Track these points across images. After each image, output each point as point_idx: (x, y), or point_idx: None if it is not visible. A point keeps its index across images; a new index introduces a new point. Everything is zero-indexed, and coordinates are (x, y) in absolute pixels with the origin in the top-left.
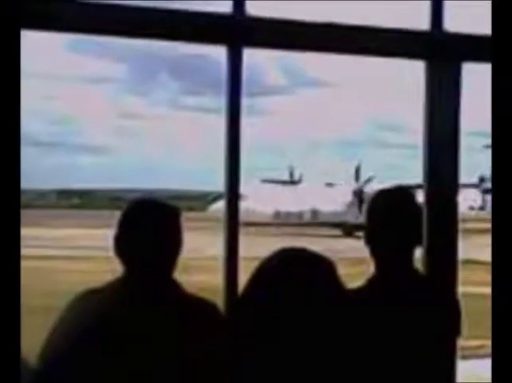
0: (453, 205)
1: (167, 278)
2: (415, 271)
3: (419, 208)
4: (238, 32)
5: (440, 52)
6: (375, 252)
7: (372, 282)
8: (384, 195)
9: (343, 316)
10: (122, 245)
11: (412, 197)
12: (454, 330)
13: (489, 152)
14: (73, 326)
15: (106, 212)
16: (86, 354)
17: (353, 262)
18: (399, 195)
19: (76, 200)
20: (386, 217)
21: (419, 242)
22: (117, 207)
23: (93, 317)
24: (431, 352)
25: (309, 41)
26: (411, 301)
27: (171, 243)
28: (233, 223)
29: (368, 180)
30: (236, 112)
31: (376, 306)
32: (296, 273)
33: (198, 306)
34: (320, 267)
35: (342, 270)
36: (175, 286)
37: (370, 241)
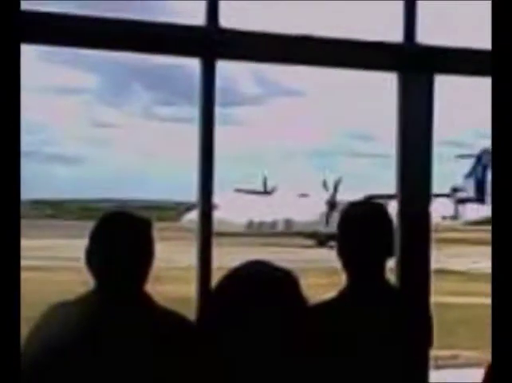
0: (425, 215)
1: (138, 291)
2: (387, 283)
3: (390, 220)
4: (212, 45)
5: (412, 64)
6: (346, 264)
7: (343, 294)
8: (355, 207)
9: (306, 329)
10: (93, 258)
11: (383, 209)
12: (426, 342)
13: (461, 161)
14: (45, 339)
15: (79, 223)
16: (57, 367)
17: (326, 272)
18: (371, 208)
19: (49, 210)
20: (357, 229)
21: (390, 254)
22: (90, 217)
23: (65, 330)
24: (402, 363)
25: (282, 53)
26: (383, 313)
27: (143, 256)
28: (206, 234)
29: (337, 184)
30: (209, 122)
31: (348, 318)
32: (258, 287)
33: (169, 319)
34: (282, 281)
35: (315, 280)
36: (147, 299)
37: (342, 253)
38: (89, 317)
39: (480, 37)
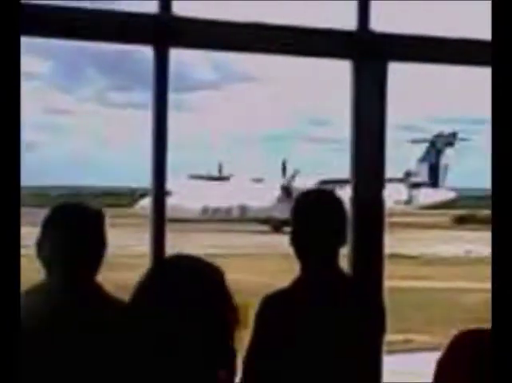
0: (379, 200)
1: (89, 281)
2: (341, 271)
3: (343, 208)
4: (164, 32)
5: (366, 51)
6: (300, 253)
7: (297, 283)
8: (307, 196)
9: (230, 323)
10: (44, 249)
11: (336, 197)
12: (380, 329)
13: (415, 146)
14: None
15: (32, 209)
16: None
17: (282, 257)
18: (323, 196)
19: None
20: (310, 218)
21: (343, 242)
22: (44, 204)
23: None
24: (356, 351)
25: (235, 41)
26: (337, 301)
27: (94, 247)
28: (159, 220)
29: (294, 175)
30: (163, 108)
31: (303, 307)
32: (183, 280)
33: (120, 309)
34: (209, 277)
35: (271, 266)
36: (98, 290)
37: (295, 242)
38: (39, 307)
39: (432, 25)
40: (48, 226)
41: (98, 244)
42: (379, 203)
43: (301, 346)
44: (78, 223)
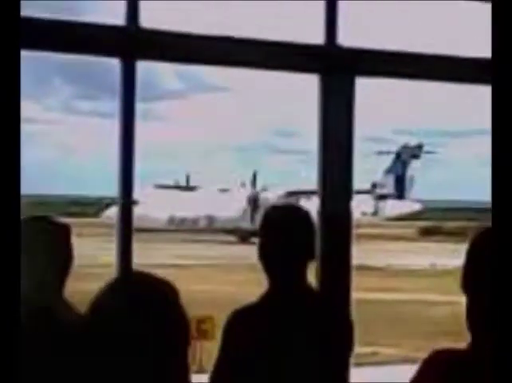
0: (346, 211)
1: (56, 297)
2: (309, 286)
3: (311, 224)
4: (132, 44)
5: (333, 65)
6: (268, 268)
7: (265, 298)
8: (276, 210)
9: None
10: None
11: (305, 212)
12: (348, 343)
13: (381, 158)
14: None
15: None
16: None
17: (249, 268)
18: (291, 211)
19: None
20: (277, 234)
21: (312, 257)
22: None
23: None
24: (325, 365)
25: (203, 54)
26: (305, 316)
27: (61, 262)
28: (126, 229)
29: (263, 190)
30: (130, 117)
31: (272, 322)
32: (136, 299)
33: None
34: (162, 294)
35: (238, 277)
36: (64, 305)
37: (263, 257)
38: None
39: (400, 40)
40: None
41: (65, 258)
42: (346, 214)
43: (270, 361)
44: (45, 236)
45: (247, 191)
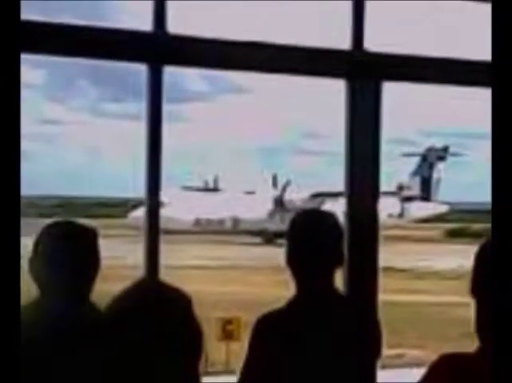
0: (373, 212)
1: (83, 301)
2: (336, 291)
3: (339, 230)
4: (159, 51)
5: (360, 70)
6: (296, 273)
7: (293, 304)
8: (304, 216)
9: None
10: (36, 268)
11: (333, 218)
12: (375, 349)
13: (406, 159)
14: None
15: (25, 219)
16: None
17: (274, 270)
18: (320, 217)
19: None
20: (306, 239)
21: (340, 263)
22: (37, 214)
23: None
24: (352, 369)
25: (230, 59)
26: (333, 321)
27: (87, 266)
28: (153, 231)
29: (286, 185)
30: (157, 119)
31: (299, 328)
32: (149, 308)
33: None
34: (175, 302)
35: (263, 278)
36: (92, 309)
37: (291, 262)
38: (31, 329)
39: (426, 45)
40: (40, 244)
41: (91, 263)
42: (373, 216)
43: (298, 365)
44: (72, 241)
45: (273, 193)
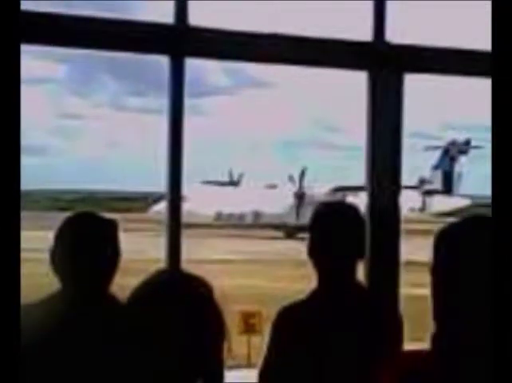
0: (394, 206)
1: (103, 291)
2: (358, 284)
3: (362, 221)
4: (180, 43)
5: (382, 62)
6: (318, 265)
7: (314, 295)
8: (326, 208)
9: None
10: (57, 259)
11: (355, 210)
12: (397, 342)
13: (428, 153)
14: None
15: (46, 213)
16: (25, 369)
17: (295, 263)
18: (342, 209)
19: None
20: (329, 231)
21: (362, 256)
22: (57, 208)
23: (28, 334)
24: (373, 362)
25: (251, 51)
26: (354, 314)
27: (108, 258)
28: (175, 225)
29: (302, 174)
30: (178, 113)
31: (320, 319)
32: (173, 296)
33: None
34: (197, 291)
35: (284, 272)
36: (111, 300)
37: (313, 254)
38: (53, 320)
39: (448, 36)
40: (61, 236)
41: (112, 254)
42: (395, 210)
43: (318, 358)
44: (92, 232)
45: (294, 187)
